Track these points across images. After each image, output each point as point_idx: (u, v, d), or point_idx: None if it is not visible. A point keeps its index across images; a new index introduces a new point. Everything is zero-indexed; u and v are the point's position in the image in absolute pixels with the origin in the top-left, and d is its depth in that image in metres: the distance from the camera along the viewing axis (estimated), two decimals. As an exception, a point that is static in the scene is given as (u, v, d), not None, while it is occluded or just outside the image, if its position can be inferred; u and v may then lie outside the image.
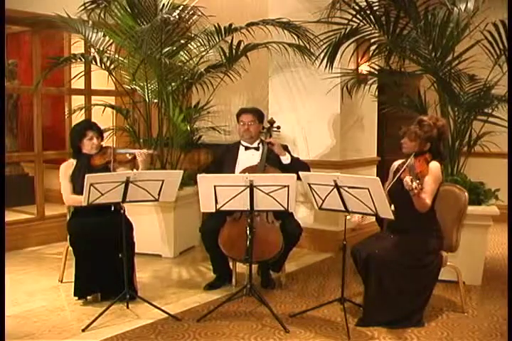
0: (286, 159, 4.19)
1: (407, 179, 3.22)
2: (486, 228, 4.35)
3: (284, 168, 4.12)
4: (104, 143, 4.12)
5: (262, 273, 4.30)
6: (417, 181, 3.21)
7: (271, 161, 4.15)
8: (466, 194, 3.78)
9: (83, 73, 5.53)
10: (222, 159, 4.36)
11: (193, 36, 5.33)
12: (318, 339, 3.33)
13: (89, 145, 3.98)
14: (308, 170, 4.19)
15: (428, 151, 3.55)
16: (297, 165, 4.16)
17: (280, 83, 5.53)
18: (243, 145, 4.32)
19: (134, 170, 3.70)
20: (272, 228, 3.98)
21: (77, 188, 3.86)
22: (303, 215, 5.30)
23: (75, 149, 4.04)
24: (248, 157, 4.27)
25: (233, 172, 4.15)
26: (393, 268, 3.40)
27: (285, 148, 4.29)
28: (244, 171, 3.99)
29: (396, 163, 3.75)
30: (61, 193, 4.07)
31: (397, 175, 3.41)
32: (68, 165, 4.02)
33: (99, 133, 4.05)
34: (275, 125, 4.30)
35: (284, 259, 4.21)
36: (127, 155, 4.01)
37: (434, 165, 3.51)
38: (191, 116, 5.47)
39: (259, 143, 4.31)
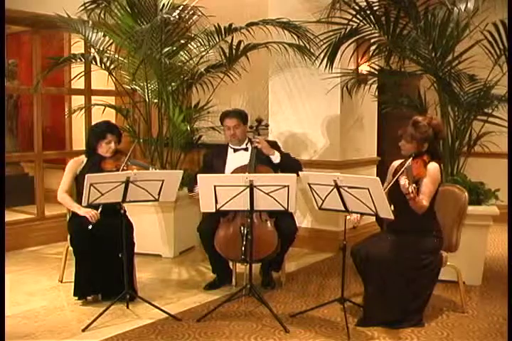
0: (275, 158, 4.15)
1: (404, 182, 3.21)
2: (486, 228, 4.35)
3: (276, 167, 4.12)
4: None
5: (263, 273, 4.30)
6: (413, 185, 3.21)
7: (262, 160, 4.12)
8: (466, 194, 3.78)
9: (83, 73, 5.52)
10: (211, 163, 4.33)
11: (193, 36, 5.33)
12: (318, 339, 3.33)
13: (105, 149, 3.96)
14: (300, 167, 4.18)
15: (426, 152, 3.54)
16: (288, 163, 4.15)
17: (280, 83, 5.53)
18: (231, 148, 4.30)
19: (135, 171, 3.69)
20: (265, 226, 3.97)
21: (81, 188, 3.85)
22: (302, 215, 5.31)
23: (90, 148, 4.02)
24: (238, 158, 4.23)
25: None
26: (393, 268, 3.40)
27: (274, 144, 4.27)
28: (235, 172, 3.99)
29: (395, 163, 3.75)
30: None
31: (395, 177, 3.39)
32: (78, 162, 4.01)
33: (118, 137, 4.02)
34: (263, 123, 4.28)
35: (282, 258, 4.20)
36: (137, 167, 3.90)
37: (433, 166, 3.51)
38: (191, 116, 5.47)
39: (247, 144, 4.29)
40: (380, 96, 5.44)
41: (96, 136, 3.98)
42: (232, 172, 4.05)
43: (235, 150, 4.28)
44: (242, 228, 3.80)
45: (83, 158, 4.03)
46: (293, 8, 5.24)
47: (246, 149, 4.26)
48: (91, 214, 3.73)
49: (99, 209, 3.72)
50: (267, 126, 4.35)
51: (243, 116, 4.29)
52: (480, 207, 4.31)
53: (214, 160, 4.34)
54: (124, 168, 3.83)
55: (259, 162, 4.10)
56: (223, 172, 4.20)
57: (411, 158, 3.42)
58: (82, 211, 3.78)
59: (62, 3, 5.06)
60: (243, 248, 3.74)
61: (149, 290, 4.13)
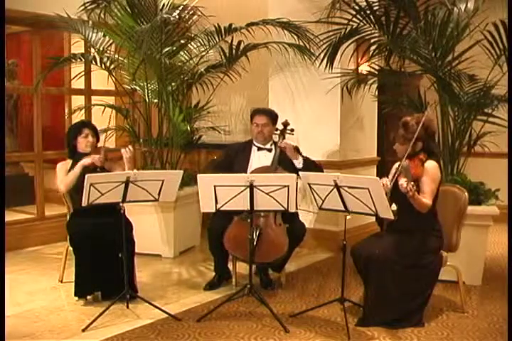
0: (298, 163, 4.14)
1: (402, 182, 3.21)
2: (486, 228, 4.35)
3: (297, 172, 4.10)
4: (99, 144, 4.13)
5: (260, 274, 4.29)
6: (412, 183, 3.21)
7: (284, 164, 4.11)
8: (466, 194, 3.77)
9: (83, 73, 5.53)
10: (234, 157, 4.33)
11: (193, 36, 5.34)
12: (318, 339, 3.33)
13: (83, 143, 3.98)
14: (322, 171, 4.18)
15: (422, 151, 3.54)
16: (310, 169, 4.12)
17: (280, 83, 5.53)
18: (256, 146, 4.30)
19: (134, 170, 3.70)
20: (279, 231, 3.96)
21: (74, 189, 3.86)
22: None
23: (71, 148, 4.06)
24: (260, 157, 4.25)
25: (245, 172, 4.11)
26: (393, 268, 3.40)
27: (297, 149, 4.27)
28: (255, 172, 3.99)
29: (397, 165, 3.73)
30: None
31: (395, 178, 3.39)
32: (65, 164, 4.04)
33: (95, 132, 4.06)
34: (289, 127, 4.23)
35: (286, 260, 4.20)
36: (116, 153, 4.01)
37: (431, 165, 3.50)
38: (191, 116, 5.47)
39: (271, 145, 4.29)
40: (380, 96, 5.44)
41: (72, 133, 4.04)
42: (253, 172, 4.03)
43: (259, 149, 4.28)
44: (254, 228, 3.79)
45: (69, 161, 4.05)
46: (293, 8, 5.24)
47: (269, 150, 4.26)
48: (95, 159, 3.82)
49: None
50: (292, 130, 4.24)
51: (273, 116, 4.29)
52: (480, 207, 4.31)
53: (237, 155, 4.32)
54: (103, 155, 3.88)
55: (282, 166, 4.09)
56: (245, 168, 4.19)
57: (405, 158, 3.40)
58: (84, 160, 3.83)
59: (62, 3, 5.07)
60: (254, 248, 3.73)
61: (149, 290, 4.12)
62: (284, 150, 4.12)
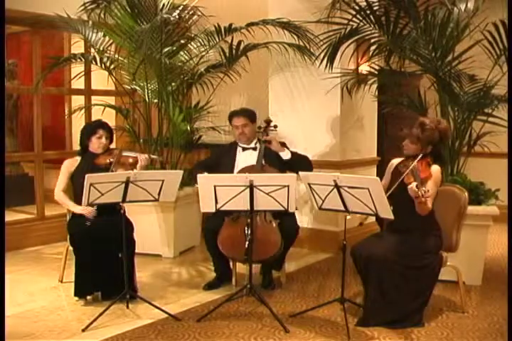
0: (286, 154, 4.17)
1: (413, 186, 3.19)
2: (486, 228, 4.35)
3: (286, 164, 4.12)
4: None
5: (264, 273, 4.29)
6: (423, 188, 3.19)
7: (270, 160, 4.13)
8: (466, 194, 3.77)
9: (83, 73, 5.53)
10: (219, 159, 4.36)
11: (193, 36, 5.34)
12: (318, 339, 3.34)
13: (96, 144, 4.00)
14: (310, 164, 4.24)
15: (430, 154, 3.54)
16: (298, 160, 4.18)
17: (280, 83, 5.53)
18: (240, 147, 4.32)
19: (134, 170, 3.70)
20: (270, 227, 3.97)
21: (78, 187, 3.86)
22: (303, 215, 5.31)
23: (83, 147, 4.09)
24: (246, 157, 4.27)
25: (231, 173, 4.14)
26: (393, 268, 3.40)
27: (283, 144, 4.28)
28: (241, 171, 4.00)
29: (394, 162, 3.73)
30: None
31: (400, 179, 3.38)
32: (72, 162, 4.07)
33: (110, 133, 4.08)
34: (272, 124, 4.25)
35: (283, 257, 4.21)
36: (130, 159, 4.02)
37: (436, 169, 3.50)
38: (191, 116, 5.47)
39: (256, 143, 4.31)
40: (380, 96, 5.44)
41: (87, 132, 4.05)
42: (239, 172, 4.05)
43: (244, 149, 4.30)
44: (246, 228, 3.79)
45: (77, 158, 4.08)
46: (293, 8, 5.24)
47: (255, 149, 4.28)
48: (87, 211, 3.82)
49: (95, 206, 3.78)
50: (275, 127, 4.26)
51: (251, 114, 4.31)
52: (480, 207, 4.31)
53: (223, 157, 4.35)
54: (116, 159, 3.89)
55: (268, 162, 4.10)
56: (231, 170, 4.21)
57: (416, 160, 3.40)
58: (78, 208, 3.87)
59: (62, 3, 5.07)
60: (246, 248, 3.74)
61: (149, 290, 4.12)
62: (269, 144, 4.13)
